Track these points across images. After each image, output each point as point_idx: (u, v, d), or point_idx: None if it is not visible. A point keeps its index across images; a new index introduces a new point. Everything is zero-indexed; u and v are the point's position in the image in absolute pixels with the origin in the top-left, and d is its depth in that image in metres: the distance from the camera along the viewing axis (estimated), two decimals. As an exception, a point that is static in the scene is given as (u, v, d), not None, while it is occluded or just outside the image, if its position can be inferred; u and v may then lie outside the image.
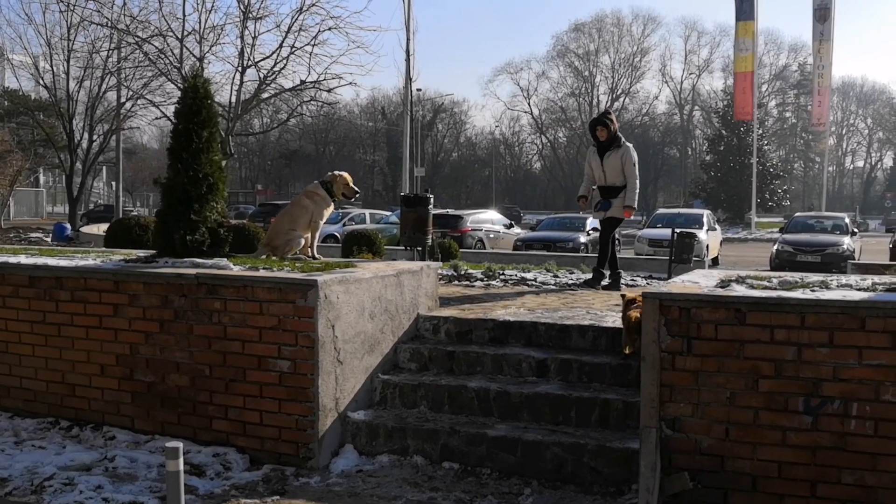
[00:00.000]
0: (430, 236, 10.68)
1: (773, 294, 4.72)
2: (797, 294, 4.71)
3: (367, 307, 6.10)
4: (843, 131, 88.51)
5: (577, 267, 12.50)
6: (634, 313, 5.50)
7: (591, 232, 23.70)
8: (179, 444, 4.18)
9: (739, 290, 4.90)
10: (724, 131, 55.82)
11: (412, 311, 6.71)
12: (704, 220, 23.78)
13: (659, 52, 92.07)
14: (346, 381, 5.89)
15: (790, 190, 64.91)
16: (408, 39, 28.59)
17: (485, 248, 22.90)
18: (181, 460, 4.16)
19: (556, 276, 10.75)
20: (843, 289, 4.91)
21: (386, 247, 16.21)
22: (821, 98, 45.52)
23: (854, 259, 18.85)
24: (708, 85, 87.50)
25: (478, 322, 6.62)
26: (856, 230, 23.16)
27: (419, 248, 10.14)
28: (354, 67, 21.41)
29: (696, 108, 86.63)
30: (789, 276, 5.47)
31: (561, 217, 27.20)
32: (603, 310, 7.18)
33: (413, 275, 6.73)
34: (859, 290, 4.88)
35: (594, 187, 9.31)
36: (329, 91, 20.93)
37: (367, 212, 32.28)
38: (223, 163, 7.10)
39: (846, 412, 4.51)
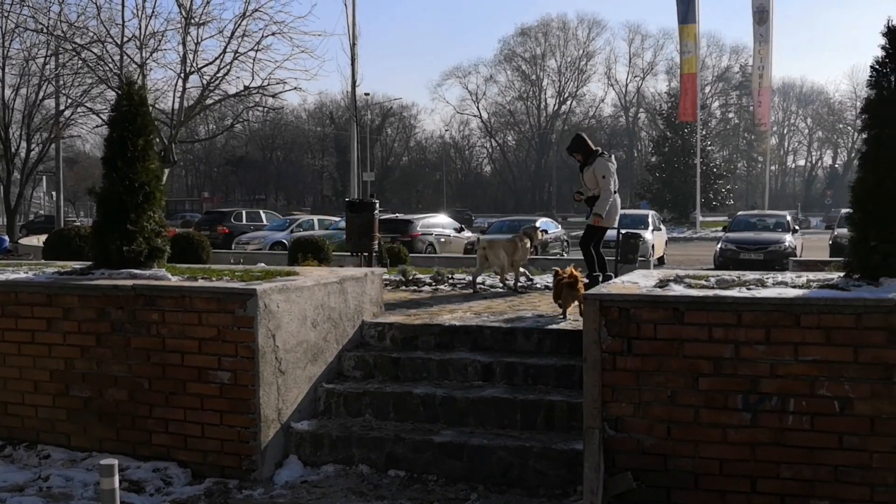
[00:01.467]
0: (376, 242, 10.62)
1: (711, 293, 4.78)
2: (734, 293, 4.78)
3: (309, 315, 6.02)
4: (785, 131, 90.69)
5: (525, 269, 12.53)
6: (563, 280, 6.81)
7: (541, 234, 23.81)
8: (114, 462, 4.08)
9: (677, 290, 4.95)
10: (668, 133, 56.75)
11: (357, 318, 6.65)
12: (650, 220, 24.06)
13: (604, 55, 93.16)
14: (289, 392, 5.80)
15: (734, 189, 66.25)
16: (352, 45, 28.45)
17: (436, 253, 22.86)
18: (116, 478, 4.06)
19: (504, 280, 10.76)
20: (779, 286, 4.99)
21: (335, 253, 16.05)
22: (761, 98, 46.59)
23: (796, 256, 19.28)
24: (652, 87, 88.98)
25: (423, 327, 6.59)
26: (797, 228, 23.66)
27: (366, 254, 10.07)
28: (299, 72, 21.21)
29: (642, 110, 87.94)
30: (726, 274, 5.55)
31: (511, 220, 27.27)
32: (549, 312, 7.20)
33: (357, 281, 6.67)
34: (795, 287, 4.97)
35: None
36: (274, 96, 20.69)
37: (315, 218, 31.97)
38: (165, 171, 6.94)
39: (784, 408, 4.58)
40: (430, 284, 10.13)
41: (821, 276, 5.58)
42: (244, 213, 32.95)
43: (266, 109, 24.30)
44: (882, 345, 4.42)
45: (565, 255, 23.22)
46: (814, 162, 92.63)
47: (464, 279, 10.46)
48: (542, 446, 5.34)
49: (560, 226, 27.76)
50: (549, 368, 5.97)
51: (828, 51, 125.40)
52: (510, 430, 5.64)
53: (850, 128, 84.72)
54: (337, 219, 32.91)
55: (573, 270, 6.95)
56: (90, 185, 7.63)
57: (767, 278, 5.41)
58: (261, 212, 34.91)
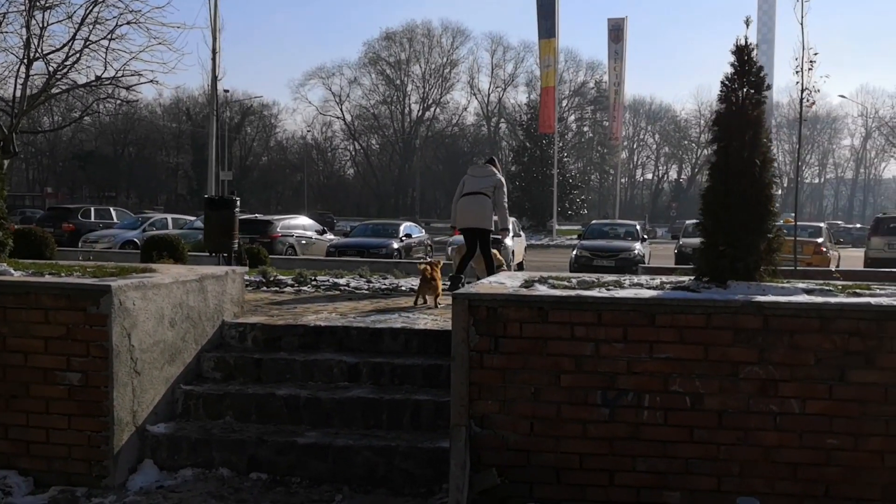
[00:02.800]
0: (236, 241, 10.32)
1: (573, 293, 4.94)
2: (594, 293, 4.95)
3: (167, 314, 5.77)
4: (635, 146, 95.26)
5: (390, 273, 12.54)
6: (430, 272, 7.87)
7: (403, 238, 23.94)
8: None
9: (542, 290, 5.07)
10: (528, 143, 58.38)
11: (216, 318, 6.43)
12: (510, 227, 24.62)
13: (467, 64, 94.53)
14: (145, 393, 5.53)
15: (587, 199, 68.94)
16: (214, 38, 27.59)
17: (296, 255, 22.48)
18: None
19: (369, 282, 10.72)
20: (636, 288, 5.22)
21: (190, 253, 15.47)
22: (616, 113, 48.78)
23: (645, 263, 20.28)
24: (513, 98, 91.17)
25: (287, 328, 6.45)
26: (646, 236, 24.91)
27: (224, 254, 9.75)
28: (156, 65, 20.27)
29: (503, 120, 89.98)
30: (587, 276, 5.76)
31: (374, 224, 27.22)
32: (415, 313, 7.22)
33: (217, 280, 6.45)
34: (649, 288, 5.21)
35: None
36: (128, 89, 19.74)
37: (169, 217, 30.67)
38: (4, 162, 6.46)
39: (639, 403, 4.79)
40: (291, 286, 9.94)
41: (672, 278, 5.87)
42: (93, 209, 31.23)
43: (120, 102, 23.19)
44: (729, 343, 4.70)
45: (429, 258, 23.40)
46: (660, 176, 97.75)
47: (327, 281, 10.35)
48: (408, 445, 5.34)
49: (424, 230, 27.93)
50: (415, 368, 5.98)
51: (675, 71, 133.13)
52: (376, 430, 5.61)
53: (694, 144, 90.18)
54: (192, 218, 31.77)
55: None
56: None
57: (624, 280, 5.65)
58: (111, 209, 33.20)
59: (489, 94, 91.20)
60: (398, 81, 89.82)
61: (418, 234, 25.62)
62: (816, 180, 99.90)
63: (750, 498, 3.98)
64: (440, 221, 51.00)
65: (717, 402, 4.73)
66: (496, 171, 10.04)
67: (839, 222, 63.15)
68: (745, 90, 5.20)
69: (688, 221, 31.57)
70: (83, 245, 24.34)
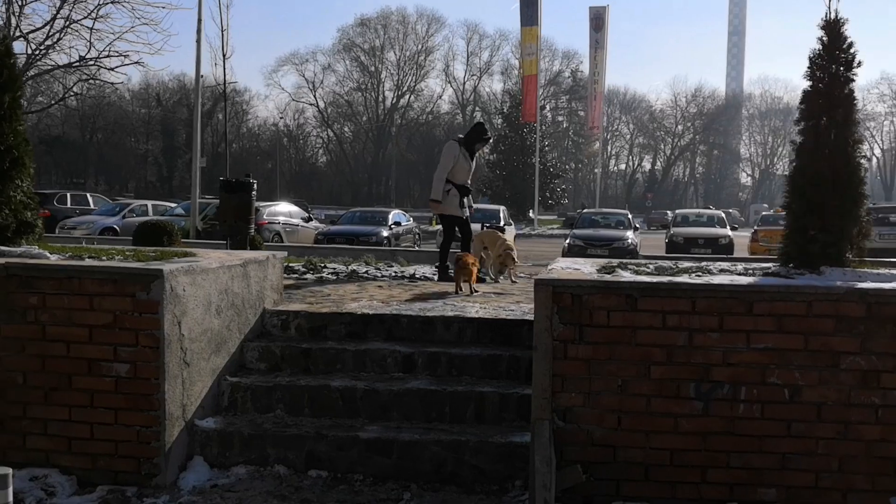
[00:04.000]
0: (252, 225, 9.94)
1: (665, 279, 4.66)
2: (688, 279, 4.68)
3: (213, 301, 5.40)
4: (609, 136, 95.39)
5: (394, 260, 12.23)
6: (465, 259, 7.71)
7: (393, 226, 23.58)
8: (8, 471, 3.38)
9: (627, 276, 4.80)
10: (508, 132, 58.12)
11: (258, 305, 6.07)
12: (501, 215, 24.40)
13: (443, 52, 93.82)
14: (194, 386, 5.17)
15: (567, 189, 68.93)
16: (199, 20, 26.80)
17: (282, 242, 22.02)
18: (10, 490, 3.38)
19: (377, 269, 10.41)
20: (726, 274, 4.95)
21: (182, 240, 15.00)
22: (595, 103, 48.70)
23: (638, 252, 20.16)
24: (488, 87, 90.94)
25: (333, 316, 6.11)
26: (637, 226, 24.81)
27: (239, 238, 9.37)
28: (141, 45, 19.72)
29: (478, 108, 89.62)
30: (664, 262, 5.49)
31: (363, 211, 26.82)
32: (459, 301, 6.91)
33: (259, 265, 6.09)
34: (739, 274, 4.95)
35: (450, 188, 9.07)
36: (111, 70, 19.15)
37: (149, 203, 29.89)
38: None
39: (735, 396, 4.54)
40: (308, 273, 9.59)
41: (754, 265, 5.63)
42: (69, 195, 30.32)
43: (99, 83, 22.53)
44: (830, 332, 4.46)
45: (416, 247, 23.07)
46: (634, 166, 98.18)
47: (342, 269, 10.01)
48: (478, 440, 5.04)
49: (412, 219, 27.57)
50: (473, 358, 5.68)
51: (648, 62, 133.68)
52: (438, 424, 5.30)
53: (668, 135, 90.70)
54: (173, 205, 31.11)
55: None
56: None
57: (709, 266, 5.39)
58: (87, 195, 32.28)
59: (464, 82, 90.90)
60: (372, 68, 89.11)
61: (406, 222, 25.28)
62: (788, 171, 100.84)
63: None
64: (415, 211, 50.51)
65: (817, 395, 4.49)
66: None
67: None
68: (835, 67, 4.95)
69: (678, 211, 31.61)
70: (60, 231, 23.65)
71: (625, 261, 5.56)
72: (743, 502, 4.55)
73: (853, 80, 4.98)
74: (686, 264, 5.50)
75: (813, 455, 4.52)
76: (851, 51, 4.98)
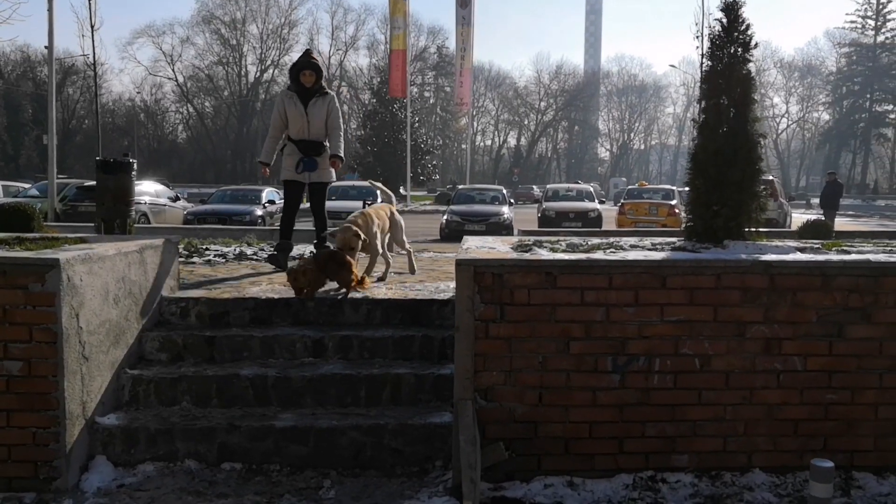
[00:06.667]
0: (132, 208, 9.38)
1: (584, 256, 4.74)
2: (605, 256, 4.77)
3: (111, 290, 5.07)
4: (475, 112, 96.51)
5: (276, 240, 11.90)
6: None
7: (266, 205, 23.01)
8: None
9: (545, 255, 4.85)
10: (378, 107, 57.64)
11: (155, 293, 5.76)
12: (378, 193, 24.23)
13: (307, 25, 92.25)
14: (93, 381, 4.85)
15: (438, 165, 69.30)
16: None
17: (149, 223, 21.05)
18: None
19: (263, 251, 10.07)
20: (636, 250, 5.09)
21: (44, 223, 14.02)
22: (462, 79, 49.02)
23: (513, 227, 20.57)
24: (354, 62, 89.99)
25: (235, 302, 5.88)
26: (512, 201, 25.27)
27: (118, 222, 8.83)
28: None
29: (344, 83, 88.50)
30: (575, 238, 5.58)
31: (234, 189, 25.97)
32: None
33: (156, 251, 5.77)
34: (648, 250, 5.10)
35: (283, 146, 7.66)
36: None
37: (-1, 184, 27.86)
38: None
39: (650, 368, 4.68)
40: (186, 257, 9.17)
41: (659, 240, 5.81)
42: None
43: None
44: (737, 303, 4.67)
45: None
46: (500, 142, 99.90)
47: (228, 251, 9.63)
48: (397, 423, 4.99)
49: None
50: (385, 341, 5.60)
51: (512, 39, 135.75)
52: (354, 409, 5.21)
53: (532, 111, 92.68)
54: (26, 186, 29.15)
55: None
56: None
57: (619, 242, 5.52)
58: (-77, 176, 29.70)
59: (330, 57, 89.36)
60: (234, 41, 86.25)
61: (280, 200, 24.69)
62: (643, 146, 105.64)
63: (824, 461, 3.97)
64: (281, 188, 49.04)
65: (725, 363, 4.70)
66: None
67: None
68: (734, 48, 5.15)
69: (548, 186, 32.37)
70: None
71: (541, 238, 5.62)
72: (657, 469, 4.73)
73: (750, 61, 5.21)
74: (596, 241, 5.63)
75: (721, 421, 4.74)
76: (749, 32, 5.20)
